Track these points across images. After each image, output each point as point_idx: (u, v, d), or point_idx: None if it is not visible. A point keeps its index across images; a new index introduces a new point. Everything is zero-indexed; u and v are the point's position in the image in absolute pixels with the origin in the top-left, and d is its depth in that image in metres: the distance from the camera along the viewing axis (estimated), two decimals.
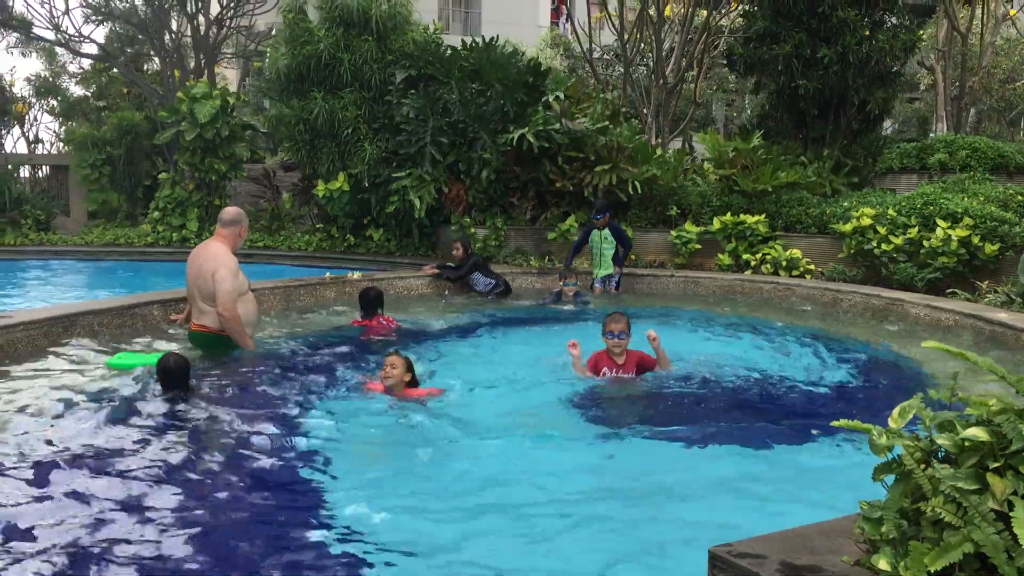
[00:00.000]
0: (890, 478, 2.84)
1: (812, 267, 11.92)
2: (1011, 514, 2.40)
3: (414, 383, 6.08)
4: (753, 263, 12.05)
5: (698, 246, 12.52)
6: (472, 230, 13.18)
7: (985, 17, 18.44)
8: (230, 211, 7.60)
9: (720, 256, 12.36)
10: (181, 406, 5.65)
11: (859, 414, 5.59)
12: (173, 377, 5.80)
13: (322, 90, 13.95)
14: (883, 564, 2.61)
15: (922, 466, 2.71)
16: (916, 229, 11.03)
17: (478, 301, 10.71)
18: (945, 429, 2.78)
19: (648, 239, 12.97)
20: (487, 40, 13.74)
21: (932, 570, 2.42)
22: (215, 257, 7.19)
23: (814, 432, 5.10)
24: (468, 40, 13.98)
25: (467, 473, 4.51)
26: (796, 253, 11.93)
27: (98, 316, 8.03)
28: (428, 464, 4.71)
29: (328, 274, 11.19)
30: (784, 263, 11.86)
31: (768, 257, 11.99)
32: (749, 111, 28.77)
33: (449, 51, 13.78)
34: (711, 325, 9.18)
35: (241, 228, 7.55)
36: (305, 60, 13.97)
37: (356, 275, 11.09)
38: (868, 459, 2.87)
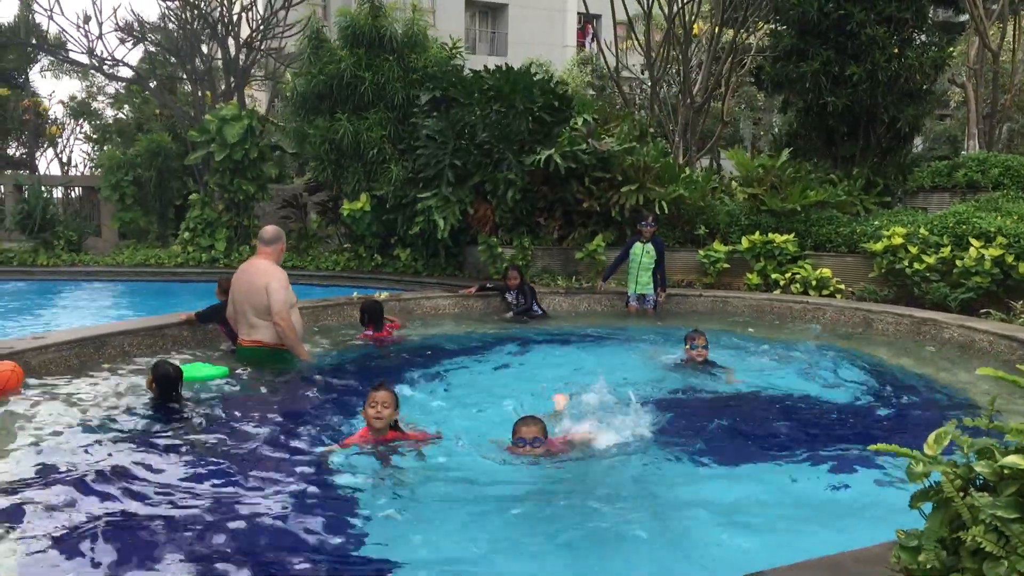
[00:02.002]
0: (927, 506, 2.78)
1: (842, 287, 11.79)
2: None
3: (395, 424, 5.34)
4: (782, 282, 11.94)
5: (726, 265, 12.43)
6: (499, 249, 13.17)
7: (1017, 34, 18.24)
8: (270, 230, 7.82)
9: (748, 275, 12.26)
10: (217, 424, 5.73)
11: (892, 438, 5.50)
12: (170, 385, 6.11)
13: (346, 110, 14.06)
14: None
15: (961, 494, 2.64)
16: (949, 248, 10.88)
17: (507, 321, 10.71)
18: (984, 456, 2.72)
19: (676, 258, 12.90)
20: (508, 67, 13.76)
21: None
22: (266, 271, 7.44)
23: (846, 456, 5.01)
24: (494, 60, 14.06)
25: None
26: (826, 272, 11.81)
27: (128, 336, 8.09)
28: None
29: (355, 294, 11.24)
30: (814, 282, 11.74)
31: (797, 276, 11.87)
32: (777, 129, 28.65)
33: (471, 73, 13.84)
34: (740, 345, 9.09)
35: (282, 245, 7.82)
36: (328, 80, 14.11)
37: (383, 295, 11.11)
38: (901, 485, 2.81)
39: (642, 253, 11.07)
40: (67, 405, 6.10)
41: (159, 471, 4.76)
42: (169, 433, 5.50)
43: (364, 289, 12.53)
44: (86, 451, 5.06)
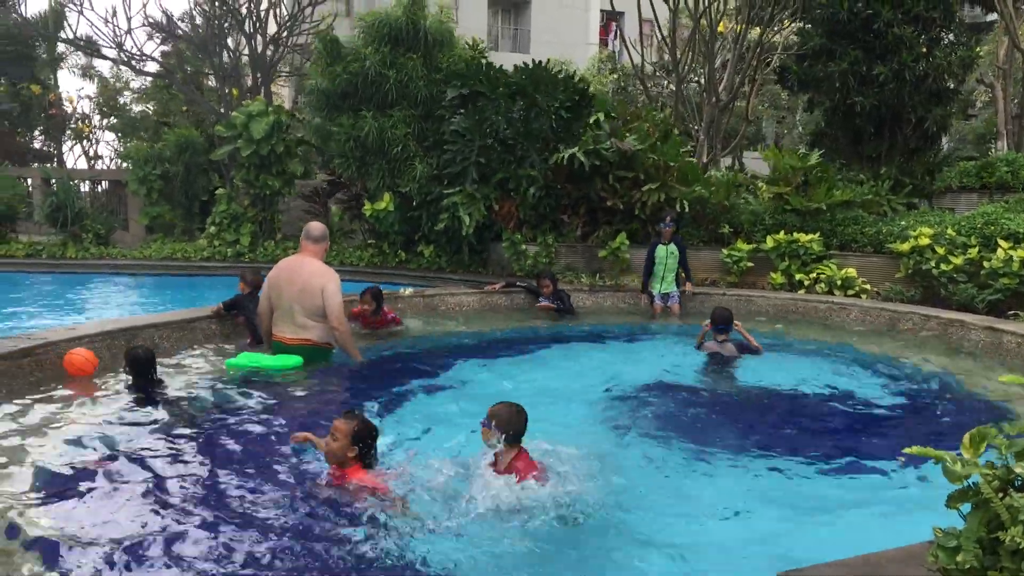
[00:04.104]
0: (965, 506, 2.79)
1: (868, 287, 11.74)
2: None
3: (368, 459, 4.56)
4: (807, 282, 11.91)
5: (750, 264, 12.41)
6: (523, 246, 13.21)
7: None
8: (317, 227, 7.82)
9: (773, 275, 12.23)
10: (256, 416, 5.83)
11: (923, 438, 5.51)
12: (142, 367, 6.37)
13: (371, 108, 14.13)
14: None
15: (1000, 495, 2.66)
16: (976, 249, 10.82)
17: (530, 316, 10.76)
18: (1022, 457, 2.73)
19: (700, 257, 12.88)
20: (536, 63, 13.79)
21: None
22: (321, 273, 7.45)
23: (878, 457, 5.02)
24: (517, 57, 14.11)
25: None
26: (851, 272, 11.76)
27: (159, 329, 8.18)
28: None
29: (407, 290, 11.29)
30: (839, 282, 11.70)
31: (822, 276, 11.83)
32: (801, 128, 28.51)
33: (493, 70, 13.86)
34: (767, 347, 9.09)
35: (327, 243, 7.84)
36: (351, 78, 14.19)
37: (408, 291, 11.17)
38: (935, 485, 2.82)
39: (666, 255, 11.12)
40: (97, 395, 6.22)
41: (181, 458, 4.87)
42: (187, 430, 5.56)
43: (388, 285, 12.60)
44: (118, 440, 5.16)
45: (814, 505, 4.30)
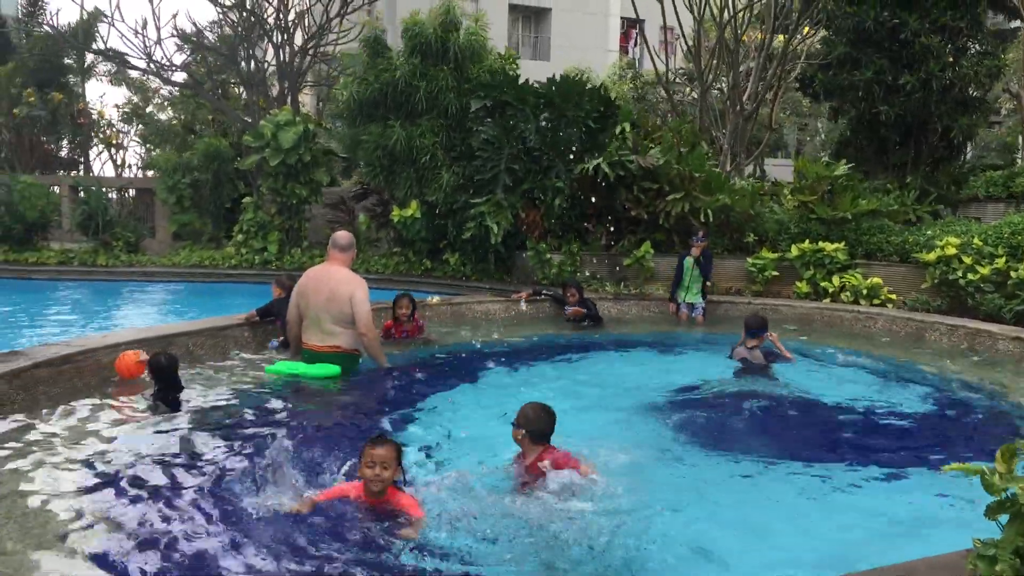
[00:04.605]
0: (1004, 517, 2.85)
1: (893, 296, 11.73)
2: None
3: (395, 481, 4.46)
4: (832, 291, 11.92)
5: (775, 273, 12.44)
6: (548, 255, 13.29)
7: None
8: (344, 235, 7.97)
9: (798, 284, 12.25)
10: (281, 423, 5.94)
11: (955, 449, 5.55)
12: (165, 374, 6.43)
13: (399, 117, 14.28)
14: None
15: None
16: (1004, 259, 10.81)
17: (560, 326, 10.85)
18: None
19: (725, 266, 12.92)
20: (560, 76, 13.88)
21: None
22: (349, 281, 7.59)
23: (908, 465, 5.07)
24: (537, 64, 14.22)
25: None
26: (877, 281, 11.76)
27: (192, 336, 8.32)
28: None
29: (435, 298, 11.39)
30: (864, 292, 11.70)
31: (848, 285, 11.84)
32: (823, 136, 28.46)
33: (522, 81, 13.97)
34: (796, 355, 9.13)
35: (355, 251, 7.99)
36: (382, 87, 14.34)
37: (435, 299, 11.27)
38: (970, 495, 2.88)
39: (692, 266, 11.24)
40: (131, 400, 6.37)
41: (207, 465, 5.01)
42: (208, 439, 5.63)
43: (416, 293, 12.70)
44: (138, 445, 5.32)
45: (847, 514, 4.35)
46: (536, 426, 4.80)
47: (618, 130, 13.32)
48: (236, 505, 4.40)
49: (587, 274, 13.21)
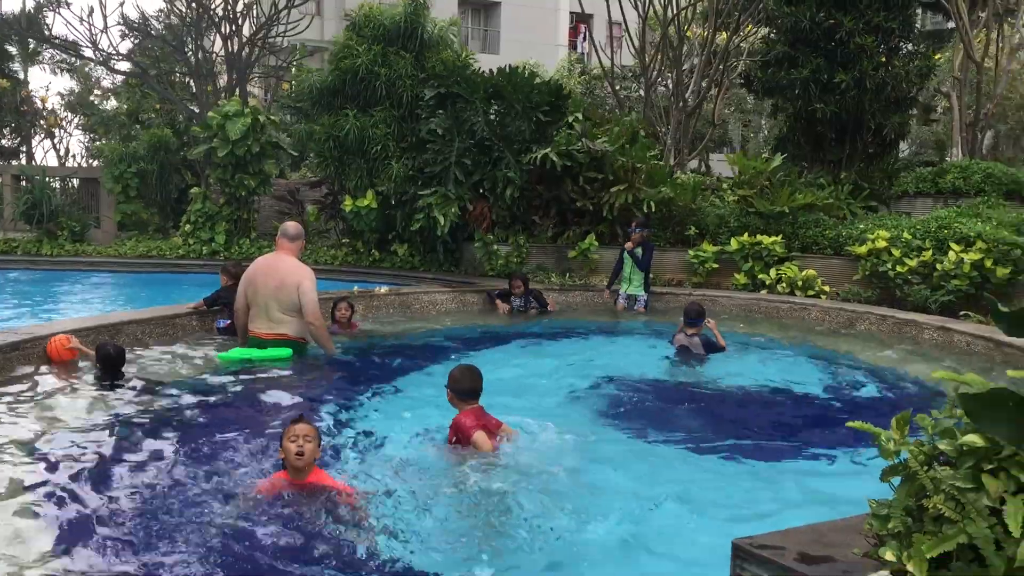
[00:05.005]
0: (896, 480, 3.15)
1: (827, 288, 12.18)
2: (1003, 508, 2.71)
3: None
4: (769, 283, 12.33)
5: (715, 265, 12.82)
6: (495, 247, 13.51)
7: (1000, 44, 18.73)
8: (293, 226, 8.13)
9: (737, 276, 12.65)
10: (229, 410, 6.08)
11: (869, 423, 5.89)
12: (112, 363, 6.62)
13: (354, 107, 14.38)
14: (889, 555, 2.91)
15: (925, 468, 3.03)
16: (930, 252, 11.29)
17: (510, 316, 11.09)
18: (946, 436, 3.10)
19: (667, 258, 13.28)
20: (511, 67, 14.11)
21: (929, 557, 2.73)
22: (296, 270, 7.75)
23: (826, 444, 5.41)
24: (487, 58, 14.42)
25: None
26: (811, 273, 12.19)
27: (141, 325, 8.40)
28: None
29: (356, 288, 11.55)
30: (800, 283, 12.13)
31: (784, 277, 12.26)
32: (766, 132, 29.07)
33: (472, 72, 14.17)
34: (732, 345, 9.48)
35: (303, 241, 8.14)
36: (341, 75, 14.45)
37: (383, 289, 11.44)
38: (875, 464, 3.17)
39: (633, 257, 11.52)
40: (78, 389, 6.45)
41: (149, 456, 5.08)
42: (152, 425, 5.70)
43: (363, 283, 12.85)
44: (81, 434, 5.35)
45: (769, 486, 4.66)
46: (459, 384, 5.14)
47: (571, 119, 13.58)
48: (175, 495, 4.46)
49: (534, 265, 13.47)
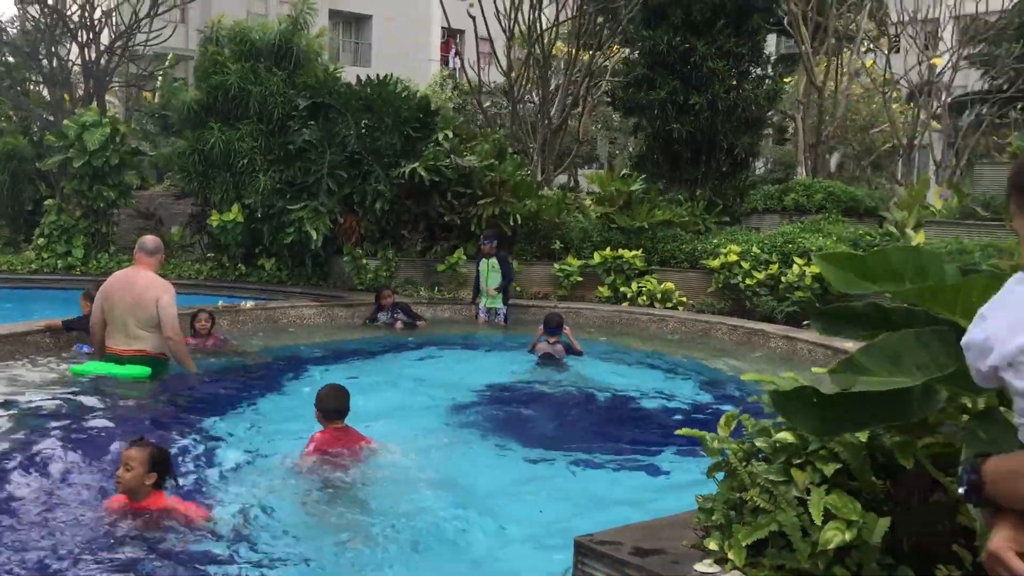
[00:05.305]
0: (720, 475, 3.47)
1: (684, 299, 12.78)
2: (808, 498, 3.04)
3: (160, 485, 4.40)
4: (630, 295, 12.84)
5: (579, 279, 13.25)
6: (364, 261, 13.56)
7: (840, 70, 20.11)
8: (151, 239, 7.93)
9: (600, 288, 13.12)
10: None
11: (711, 427, 6.31)
12: None
13: (219, 121, 14.17)
14: (712, 545, 3.21)
15: (744, 464, 3.35)
16: (776, 265, 12.02)
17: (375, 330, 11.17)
18: (763, 434, 3.44)
19: (533, 272, 13.64)
20: (380, 77, 14.23)
21: (746, 545, 3.03)
22: (155, 285, 7.54)
23: (670, 443, 5.78)
24: (358, 71, 14.48)
25: None
26: (670, 286, 12.79)
27: None
28: None
29: (220, 303, 11.39)
30: (659, 295, 12.69)
31: (644, 289, 12.80)
32: (632, 149, 30.07)
33: (345, 86, 14.21)
34: (593, 355, 9.85)
35: (162, 255, 7.96)
36: (212, 91, 14.21)
37: (248, 304, 11.33)
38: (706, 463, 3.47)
39: (488, 269, 11.76)
40: None
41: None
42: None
43: (229, 298, 12.67)
44: None
45: (615, 487, 4.97)
46: (324, 403, 5.28)
47: (441, 136, 13.77)
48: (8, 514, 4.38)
49: (402, 279, 13.58)
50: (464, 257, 13.35)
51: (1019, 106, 22.32)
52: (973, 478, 1.59)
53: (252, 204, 13.87)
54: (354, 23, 39.79)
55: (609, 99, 20.04)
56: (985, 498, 1.60)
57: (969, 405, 2.83)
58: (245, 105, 14.08)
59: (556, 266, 13.40)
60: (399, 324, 11.21)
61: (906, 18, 21.72)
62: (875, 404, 2.57)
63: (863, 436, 3.10)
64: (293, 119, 13.91)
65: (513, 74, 18.15)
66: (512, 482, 5.17)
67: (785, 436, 3.31)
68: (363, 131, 13.64)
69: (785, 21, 17.45)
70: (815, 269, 11.53)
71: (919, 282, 2.59)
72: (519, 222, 13.46)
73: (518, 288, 12.92)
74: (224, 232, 14.12)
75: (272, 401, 7.20)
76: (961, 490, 1.61)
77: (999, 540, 1.53)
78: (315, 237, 13.15)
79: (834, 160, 25.94)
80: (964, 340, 1.63)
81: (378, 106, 13.70)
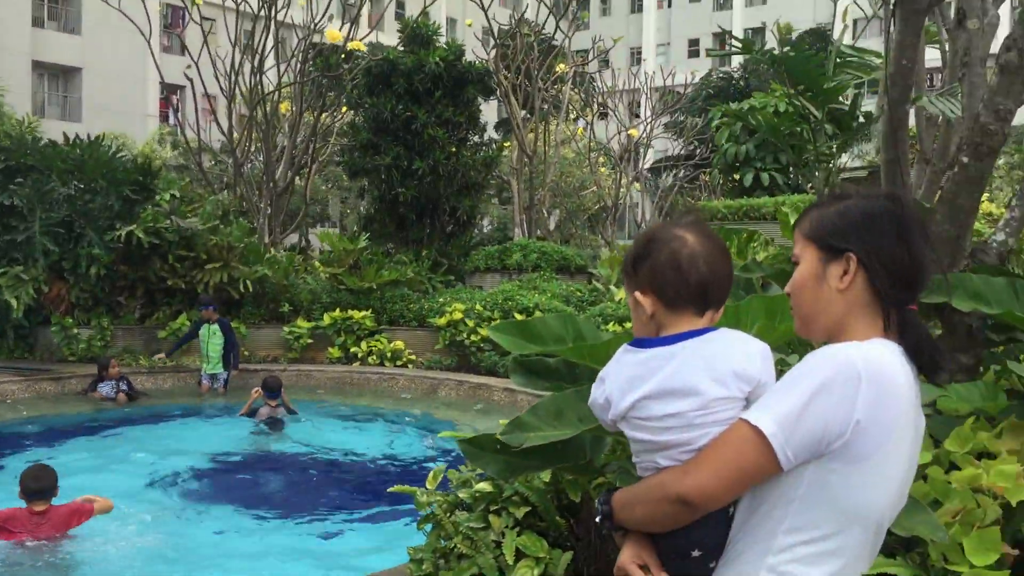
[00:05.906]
0: (429, 527, 3.79)
1: (414, 357, 13.18)
2: (503, 542, 3.43)
3: None
4: (360, 355, 13.05)
5: (310, 340, 13.28)
6: (75, 330, 12.78)
7: (548, 138, 21.85)
8: None
9: (331, 350, 13.22)
10: None
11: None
12: None
13: None
14: None
15: (448, 514, 3.70)
16: (498, 322, 12.74)
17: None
18: (464, 485, 3.81)
19: (261, 335, 13.49)
20: (91, 137, 13.60)
21: None
22: None
23: (390, 499, 6.07)
24: (67, 126, 13.78)
25: None
26: (399, 345, 13.15)
27: None
28: None
29: None
30: (389, 354, 13.01)
31: (375, 349, 13.07)
32: (363, 209, 30.46)
33: (46, 143, 13.43)
34: (323, 415, 9.98)
35: None
36: None
37: None
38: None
39: (208, 334, 11.59)
40: None
41: None
42: None
43: None
44: None
45: (340, 542, 5.18)
46: (23, 483, 5.25)
47: (165, 197, 13.32)
48: None
49: (120, 348, 12.95)
50: (188, 323, 12.96)
51: (707, 171, 25.21)
52: (606, 508, 1.93)
53: None
54: (61, 75, 37.37)
55: (339, 159, 20.32)
56: (615, 523, 1.92)
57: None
58: None
59: (286, 329, 13.35)
60: (121, 396, 10.73)
61: (605, 89, 23.94)
62: (550, 450, 3.00)
63: (545, 476, 3.56)
64: None
65: (236, 135, 17.94)
66: (239, 547, 5.22)
67: (484, 486, 3.71)
68: (73, 193, 12.95)
69: (499, 92, 18.63)
70: None
71: (579, 342, 3.08)
72: (249, 289, 13.30)
73: (246, 353, 12.73)
74: None
75: None
76: (598, 518, 1.96)
77: (625, 557, 1.89)
78: (16, 307, 12.25)
79: (553, 219, 27.74)
80: (590, 400, 2.01)
81: (90, 167, 13.08)
